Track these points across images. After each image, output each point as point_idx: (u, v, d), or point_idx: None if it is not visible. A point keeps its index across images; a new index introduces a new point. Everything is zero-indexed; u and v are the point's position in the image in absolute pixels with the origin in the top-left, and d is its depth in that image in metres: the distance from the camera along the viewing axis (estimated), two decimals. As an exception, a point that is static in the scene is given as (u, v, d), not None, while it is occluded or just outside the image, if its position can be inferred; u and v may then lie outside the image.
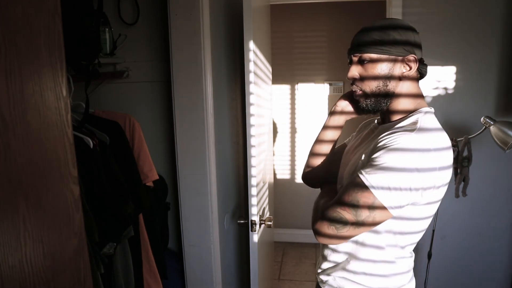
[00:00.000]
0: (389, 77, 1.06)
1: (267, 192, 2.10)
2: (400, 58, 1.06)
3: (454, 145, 1.99)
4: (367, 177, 0.94)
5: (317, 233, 1.03)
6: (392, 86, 1.07)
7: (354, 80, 1.11)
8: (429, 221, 1.06)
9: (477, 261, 2.32)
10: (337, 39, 3.40)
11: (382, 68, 1.06)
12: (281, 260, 3.32)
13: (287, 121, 3.60)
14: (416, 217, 1.02)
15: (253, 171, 1.63)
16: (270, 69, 2.28)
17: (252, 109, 1.60)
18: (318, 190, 1.30)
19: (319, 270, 1.22)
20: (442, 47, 2.13)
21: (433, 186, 0.96)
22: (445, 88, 2.18)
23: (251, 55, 1.56)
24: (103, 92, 1.87)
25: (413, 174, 0.92)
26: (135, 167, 1.70)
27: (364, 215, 0.95)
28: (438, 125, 1.05)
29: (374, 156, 0.96)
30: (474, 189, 2.12)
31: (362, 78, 1.09)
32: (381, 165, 0.93)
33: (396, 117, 1.10)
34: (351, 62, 1.11)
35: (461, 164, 1.99)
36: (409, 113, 1.08)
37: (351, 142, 1.30)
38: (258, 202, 1.68)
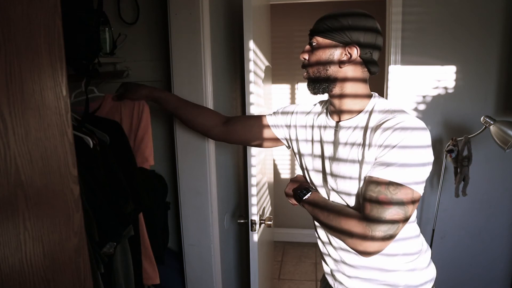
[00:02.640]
0: (329, 62, 1.12)
1: (267, 192, 2.10)
2: (341, 45, 1.10)
3: (454, 145, 1.99)
4: (395, 174, 0.96)
5: (373, 252, 0.98)
6: (333, 70, 1.12)
7: (302, 64, 1.19)
8: None
9: (477, 260, 2.32)
10: (337, 38, 3.39)
11: (322, 51, 1.12)
12: (281, 259, 3.32)
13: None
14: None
15: (253, 171, 1.63)
16: (270, 68, 2.28)
17: (252, 109, 1.60)
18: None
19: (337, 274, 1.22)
20: (442, 47, 2.13)
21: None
22: (445, 88, 2.18)
23: (251, 55, 1.57)
24: (103, 92, 1.87)
25: (426, 157, 0.98)
26: (135, 167, 1.70)
27: (411, 209, 0.97)
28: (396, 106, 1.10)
29: (387, 156, 0.98)
30: (474, 188, 2.12)
31: (310, 62, 1.16)
32: (401, 163, 0.96)
33: (350, 109, 1.13)
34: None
35: (461, 164, 1.99)
36: (360, 105, 1.12)
37: (304, 145, 1.26)
38: (258, 202, 1.68)
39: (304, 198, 1.17)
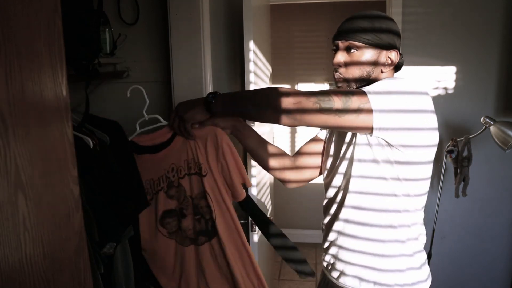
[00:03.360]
0: (374, 64, 1.10)
1: (267, 192, 2.10)
2: (385, 49, 1.10)
3: (454, 145, 1.99)
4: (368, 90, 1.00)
5: (290, 109, 0.99)
6: (375, 75, 1.11)
7: (338, 67, 1.12)
8: (428, 180, 1.10)
9: (477, 261, 2.32)
10: (337, 39, 3.39)
11: (367, 57, 1.09)
12: (281, 260, 3.32)
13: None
14: (417, 161, 1.04)
15: (253, 171, 1.63)
16: (270, 69, 2.28)
17: (252, 109, 1.60)
18: (320, 190, 1.30)
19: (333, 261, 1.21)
20: (442, 47, 2.13)
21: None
22: (445, 88, 2.18)
23: (251, 55, 1.56)
24: (103, 92, 1.87)
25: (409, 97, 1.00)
26: (135, 167, 1.70)
27: (353, 105, 0.97)
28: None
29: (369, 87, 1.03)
30: (474, 189, 2.12)
31: (347, 65, 1.11)
32: (380, 89, 1.01)
33: None
34: (337, 49, 1.13)
35: (461, 164, 1.99)
36: None
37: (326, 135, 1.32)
38: (258, 202, 1.68)
39: (213, 100, 1.12)
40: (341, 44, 1.11)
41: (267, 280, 2.11)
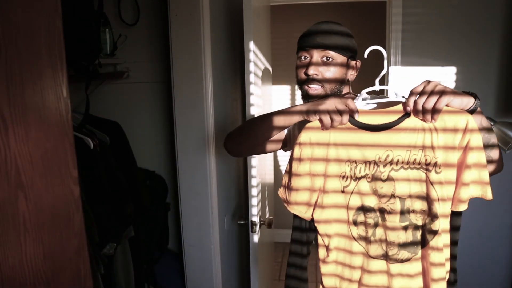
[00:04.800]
0: (343, 80, 1.11)
1: (267, 193, 2.10)
2: (352, 62, 1.11)
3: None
4: None
5: None
6: (343, 89, 1.12)
7: (313, 77, 1.09)
8: None
9: (477, 261, 2.32)
10: (337, 39, 3.40)
11: (342, 70, 1.09)
12: (281, 260, 3.32)
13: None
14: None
15: (253, 172, 1.63)
16: (271, 69, 2.28)
17: (252, 110, 1.60)
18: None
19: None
20: (442, 48, 2.13)
21: None
22: (445, 89, 2.18)
23: (251, 56, 1.56)
24: (103, 93, 1.87)
25: None
26: (135, 167, 1.71)
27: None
28: None
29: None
30: (474, 189, 2.12)
31: (322, 78, 1.09)
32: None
33: None
34: (306, 57, 1.11)
35: (461, 165, 1.99)
36: None
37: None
38: (258, 203, 1.68)
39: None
40: (316, 53, 1.09)
41: (267, 281, 2.11)
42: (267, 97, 2.13)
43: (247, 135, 1.20)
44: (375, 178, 0.97)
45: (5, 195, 0.52)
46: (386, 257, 0.98)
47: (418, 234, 0.96)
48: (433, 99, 0.89)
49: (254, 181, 1.63)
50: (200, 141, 1.72)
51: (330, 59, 1.08)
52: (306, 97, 1.12)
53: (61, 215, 0.65)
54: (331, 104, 0.95)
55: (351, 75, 1.14)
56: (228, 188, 2.03)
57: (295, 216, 1.06)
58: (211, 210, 1.77)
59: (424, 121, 0.93)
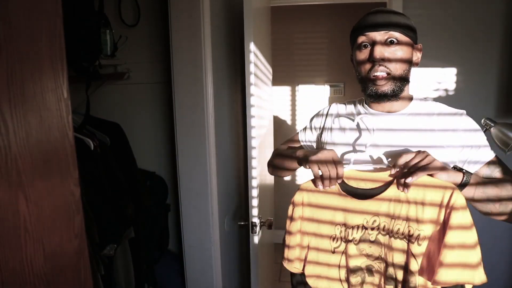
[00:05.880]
0: (411, 63, 1.03)
1: (267, 194, 2.10)
2: (416, 45, 1.05)
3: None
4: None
5: None
6: (410, 72, 1.04)
7: (381, 61, 0.97)
8: None
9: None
10: (338, 40, 3.40)
11: (409, 52, 1.00)
12: (281, 261, 3.32)
13: (287, 122, 3.60)
14: None
15: (253, 173, 1.63)
16: (271, 70, 2.28)
17: (252, 111, 1.60)
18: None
19: None
20: (443, 49, 2.13)
21: None
22: (446, 90, 2.18)
23: (252, 57, 1.57)
24: (103, 94, 1.87)
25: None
26: (135, 168, 1.71)
27: None
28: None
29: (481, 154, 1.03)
30: (475, 190, 2.12)
31: (390, 60, 0.98)
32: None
33: (403, 105, 1.07)
34: (368, 44, 1.00)
35: (461, 166, 1.99)
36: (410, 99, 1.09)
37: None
38: (258, 204, 1.67)
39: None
40: (379, 36, 0.97)
41: (267, 282, 2.11)
42: (267, 98, 2.13)
43: (276, 168, 1.32)
44: (362, 240, 0.98)
45: (5, 196, 0.52)
46: None
47: None
48: (410, 172, 0.89)
49: (254, 182, 1.63)
50: (201, 142, 1.72)
51: (396, 43, 0.97)
52: (372, 86, 1.00)
53: (61, 216, 0.65)
54: (327, 155, 0.98)
55: (417, 58, 1.05)
56: (228, 189, 2.03)
57: (293, 273, 1.13)
58: (211, 211, 1.77)
59: (402, 191, 0.92)
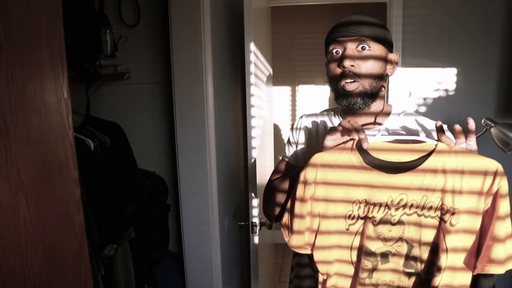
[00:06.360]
0: (382, 75, 0.97)
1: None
2: (391, 54, 1.00)
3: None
4: None
5: None
6: (382, 85, 0.98)
7: (350, 68, 0.94)
8: None
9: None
10: (338, 40, 3.40)
11: (381, 62, 0.95)
12: (281, 262, 3.32)
13: (288, 122, 3.60)
14: None
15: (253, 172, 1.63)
16: (271, 70, 2.28)
17: (252, 111, 1.60)
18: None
19: None
20: (443, 49, 2.13)
21: None
22: (446, 90, 2.18)
23: (252, 57, 1.57)
24: (104, 94, 1.88)
25: None
26: (136, 168, 1.71)
27: None
28: None
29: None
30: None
31: (360, 71, 0.94)
32: None
33: (380, 119, 1.01)
34: (340, 51, 0.96)
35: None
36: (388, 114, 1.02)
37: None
38: (258, 204, 1.67)
39: None
40: (350, 43, 0.94)
41: (268, 282, 2.10)
42: (267, 98, 2.13)
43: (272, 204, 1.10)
44: (382, 222, 0.89)
45: (5, 196, 0.52)
46: None
47: (422, 286, 0.88)
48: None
49: (254, 182, 1.63)
50: (201, 142, 1.72)
51: (368, 50, 0.94)
52: (342, 95, 0.97)
53: (61, 216, 0.65)
54: (345, 123, 0.88)
55: (391, 69, 1.00)
56: (228, 189, 2.03)
57: (296, 253, 1.02)
58: (212, 211, 1.77)
59: (453, 144, 0.85)
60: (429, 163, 0.85)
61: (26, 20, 0.56)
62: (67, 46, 0.64)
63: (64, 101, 0.64)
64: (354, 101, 0.95)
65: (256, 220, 1.63)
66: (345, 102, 0.97)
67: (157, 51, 1.83)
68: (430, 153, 0.85)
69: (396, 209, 0.88)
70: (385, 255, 0.90)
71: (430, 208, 0.85)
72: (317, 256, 0.94)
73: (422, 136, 0.89)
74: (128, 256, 1.57)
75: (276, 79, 3.34)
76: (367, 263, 0.91)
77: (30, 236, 0.56)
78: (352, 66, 0.94)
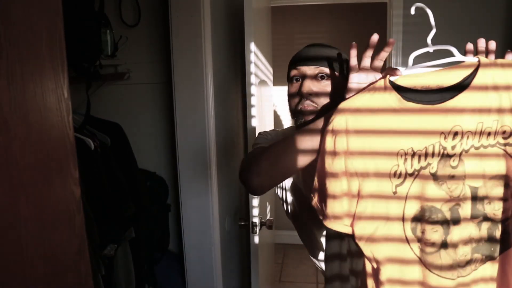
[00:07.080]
0: (341, 99, 0.97)
1: (268, 193, 2.10)
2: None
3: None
4: None
5: None
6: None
7: (307, 96, 0.96)
8: None
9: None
10: (338, 41, 3.40)
11: (339, 89, 0.95)
12: (282, 262, 3.32)
13: (288, 122, 3.60)
14: None
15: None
16: (271, 70, 2.28)
17: (253, 111, 1.60)
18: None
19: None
20: (443, 49, 2.13)
21: None
22: (446, 90, 2.19)
23: (252, 57, 1.57)
24: (104, 94, 1.88)
25: None
26: (136, 168, 1.71)
27: None
28: None
29: None
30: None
31: (318, 95, 0.96)
32: None
33: None
34: (300, 78, 0.99)
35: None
36: None
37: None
38: (259, 204, 1.67)
39: None
40: (309, 71, 0.97)
41: (268, 282, 2.11)
42: (268, 98, 2.14)
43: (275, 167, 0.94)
44: (441, 168, 0.71)
45: (5, 196, 0.52)
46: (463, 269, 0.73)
47: (496, 232, 0.72)
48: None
49: (254, 182, 1.63)
50: (201, 142, 1.73)
51: (325, 76, 0.97)
52: (301, 118, 0.98)
53: (61, 216, 0.65)
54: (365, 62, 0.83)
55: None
56: (228, 189, 2.03)
57: (330, 235, 0.89)
58: (212, 211, 1.77)
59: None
60: (478, 80, 0.72)
61: (26, 20, 0.56)
62: (67, 46, 0.64)
63: (64, 101, 0.64)
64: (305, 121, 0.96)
65: (256, 220, 1.63)
66: (301, 119, 0.98)
67: (157, 51, 1.83)
68: (475, 70, 0.74)
69: (453, 148, 0.71)
70: (455, 213, 0.72)
71: (489, 134, 0.71)
72: (358, 230, 0.75)
73: (458, 56, 0.77)
74: (129, 256, 1.57)
75: (276, 79, 3.34)
76: (434, 235, 0.72)
77: (30, 236, 0.56)
78: (310, 94, 0.96)
